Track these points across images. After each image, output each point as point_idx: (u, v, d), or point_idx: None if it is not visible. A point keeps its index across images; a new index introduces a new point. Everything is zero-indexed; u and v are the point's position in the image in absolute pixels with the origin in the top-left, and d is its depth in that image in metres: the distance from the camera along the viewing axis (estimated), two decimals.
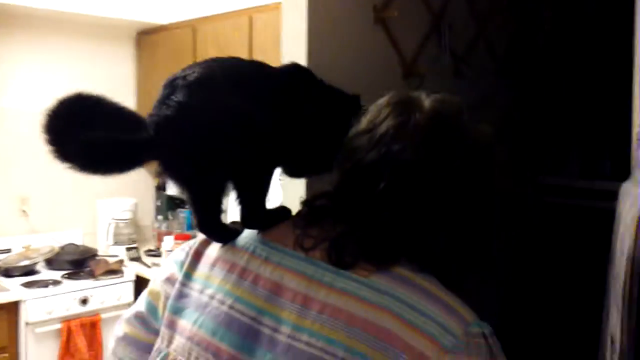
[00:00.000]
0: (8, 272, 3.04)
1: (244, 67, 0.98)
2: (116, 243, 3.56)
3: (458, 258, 0.90)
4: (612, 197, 1.39)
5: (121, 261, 3.25)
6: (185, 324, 0.92)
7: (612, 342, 0.83)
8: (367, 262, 0.84)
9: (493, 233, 0.93)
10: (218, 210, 0.97)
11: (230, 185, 0.95)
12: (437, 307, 0.80)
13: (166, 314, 0.96)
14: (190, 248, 1.01)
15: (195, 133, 0.86)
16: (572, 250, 2.22)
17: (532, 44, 2.02)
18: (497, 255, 0.95)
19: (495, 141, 0.93)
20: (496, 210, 0.93)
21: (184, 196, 0.96)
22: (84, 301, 2.99)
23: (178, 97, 0.86)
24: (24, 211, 3.37)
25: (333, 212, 0.91)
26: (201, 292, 0.94)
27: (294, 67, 1.05)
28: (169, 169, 0.92)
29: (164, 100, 0.87)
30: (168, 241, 3.36)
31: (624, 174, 1.23)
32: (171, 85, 0.88)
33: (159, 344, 0.96)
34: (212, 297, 0.91)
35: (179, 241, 3.31)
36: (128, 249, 3.40)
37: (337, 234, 0.87)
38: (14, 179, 3.35)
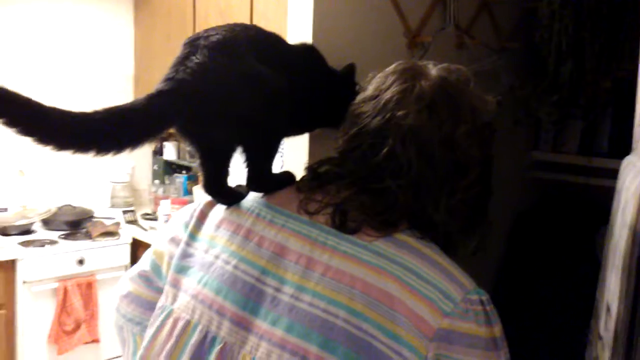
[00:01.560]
0: (5, 231, 3.05)
1: (266, 36, 0.99)
2: (113, 206, 3.57)
3: (458, 224, 0.91)
4: (609, 174, 1.41)
5: (118, 224, 3.26)
6: (189, 282, 0.94)
7: (608, 309, 0.85)
8: (371, 227, 0.86)
9: (489, 201, 0.95)
10: (225, 172, 0.99)
11: (238, 148, 0.96)
12: (438, 274, 0.83)
13: (170, 272, 0.98)
14: (195, 209, 1.02)
15: (212, 96, 0.86)
16: (567, 227, 2.25)
17: (536, 20, 2.01)
18: (492, 225, 0.97)
19: (497, 113, 0.95)
20: (491, 178, 0.95)
21: (195, 155, 0.98)
22: (81, 262, 3.02)
23: (198, 58, 0.86)
24: (20, 171, 3.36)
25: (337, 177, 0.93)
26: (206, 252, 0.95)
27: (310, 46, 1.10)
28: (183, 128, 0.92)
29: (183, 61, 0.86)
30: (165, 205, 3.36)
31: (622, 152, 1.25)
32: (192, 45, 0.88)
33: (162, 301, 0.98)
34: (217, 257, 0.93)
35: (176, 206, 3.32)
36: (125, 212, 3.41)
37: (341, 199, 0.89)
38: (11, 140, 3.33)
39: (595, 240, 2.13)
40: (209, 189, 1.00)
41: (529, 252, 2.24)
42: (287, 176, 1.01)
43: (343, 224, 0.87)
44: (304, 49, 1.09)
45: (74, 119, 0.78)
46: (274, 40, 1.00)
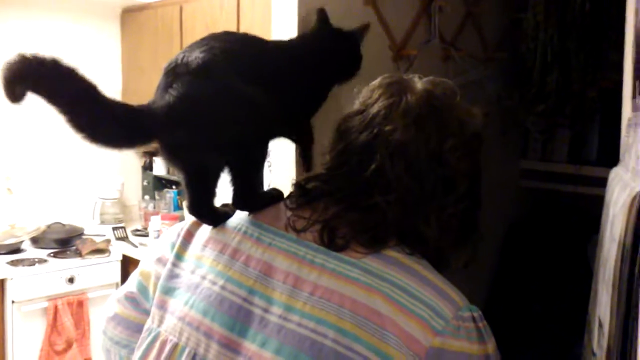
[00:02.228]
0: None
1: (246, 47, 0.97)
2: (103, 222, 3.55)
3: (449, 239, 0.91)
4: (598, 183, 1.41)
5: (108, 241, 3.24)
6: (176, 304, 0.93)
7: (601, 325, 0.85)
8: (359, 244, 0.85)
9: (479, 212, 0.95)
10: (212, 193, 0.98)
11: (225, 168, 0.95)
12: (429, 291, 0.82)
13: (157, 294, 0.97)
14: (182, 229, 1.01)
15: (196, 122, 0.86)
16: (558, 236, 2.25)
17: (522, 31, 2.02)
18: (483, 237, 0.96)
19: (485, 124, 0.94)
20: (481, 192, 0.94)
21: (180, 177, 0.97)
22: (71, 280, 2.99)
23: (179, 87, 0.85)
24: (8, 189, 3.34)
25: (325, 193, 0.92)
26: (192, 272, 0.94)
27: (300, 41, 1.11)
28: (168, 152, 0.92)
29: (166, 88, 0.86)
30: (155, 221, 3.35)
31: (610, 160, 1.25)
32: (173, 73, 0.88)
33: (149, 323, 0.96)
34: (203, 278, 0.92)
35: (166, 221, 3.31)
36: (115, 229, 3.39)
37: (330, 215, 0.88)
38: None
39: (587, 249, 2.14)
40: (194, 210, 0.99)
41: (522, 262, 2.23)
42: (275, 193, 1.00)
43: (331, 241, 0.86)
44: (288, 44, 1.10)
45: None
46: (255, 48, 0.99)
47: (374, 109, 0.90)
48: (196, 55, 0.88)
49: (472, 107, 0.93)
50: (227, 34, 0.98)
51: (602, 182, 1.20)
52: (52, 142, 3.43)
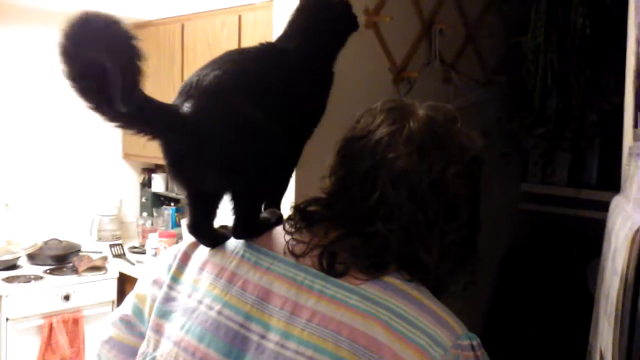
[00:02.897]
0: None
1: (259, 66, 0.97)
2: (100, 239, 3.53)
3: (448, 266, 0.90)
4: (598, 206, 1.40)
5: (105, 258, 3.22)
6: (172, 328, 0.92)
7: (602, 357, 0.83)
8: (359, 270, 0.84)
9: (478, 236, 0.94)
10: (212, 214, 0.97)
11: (228, 194, 0.95)
12: (427, 318, 0.81)
13: (152, 317, 0.96)
14: (179, 250, 1.00)
15: (202, 142, 0.87)
16: (557, 259, 2.24)
17: (522, 53, 2.03)
18: (483, 258, 0.96)
19: (485, 146, 0.94)
20: (479, 214, 0.93)
21: (182, 195, 0.97)
22: (66, 297, 2.96)
23: (190, 107, 0.87)
24: (6, 205, 3.33)
25: (325, 218, 0.91)
26: (189, 296, 0.93)
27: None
28: (171, 165, 0.92)
29: (181, 104, 0.88)
30: (153, 239, 3.33)
31: (610, 184, 1.24)
32: (186, 94, 0.89)
33: (144, 347, 0.95)
34: (200, 302, 0.91)
35: (164, 239, 3.29)
36: (112, 246, 3.37)
37: (330, 240, 0.87)
38: None
39: (587, 272, 2.12)
40: (193, 229, 0.98)
41: (520, 285, 2.22)
42: (275, 219, 0.99)
43: (331, 266, 0.85)
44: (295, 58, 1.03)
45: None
46: (267, 69, 0.98)
47: (377, 135, 0.89)
48: (207, 77, 0.89)
49: (472, 132, 0.93)
50: (240, 52, 0.99)
51: (602, 206, 1.19)
52: (50, 157, 3.42)
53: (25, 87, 3.34)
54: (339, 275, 0.84)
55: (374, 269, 0.84)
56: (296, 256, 0.88)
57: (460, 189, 0.87)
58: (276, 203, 1.04)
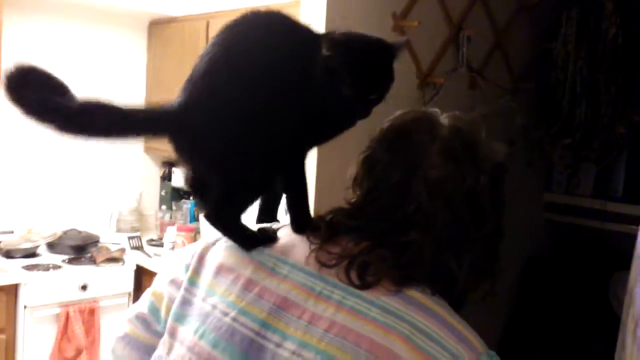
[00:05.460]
0: (9, 254, 3.04)
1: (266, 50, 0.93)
2: (119, 230, 3.56)
3: (475, 276, 0.88)
4: (623, 219, 1.37)
5: (123, 249, 3.24)
6: (186, 332, 0.91)
7: None
8: (391, 281, 0.83)
9: (501, 244, 0.92)
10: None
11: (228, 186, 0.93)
12: (448, 334, 0.79)
13: (169, 320, 0.95)
14: (195, 251, 0.99)
15: (194, 129, 0.86)
16: (579, 271, 2.20)
17: (551, 60, 1.99)
18: (504, 267, 0.94)
19: (510, 154, 0.93)
20: (502, 221, 0.92)
21: (213, 180, 0.93)
22: (84, 287, 2.99)
23: (184, 94, 0.87)
24: (27, 193, 3.36)
25: (353, 229, 0.89)
26: (204, 299, 0.92)
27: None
28: (178, 157, 0.92)
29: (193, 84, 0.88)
30: (171, 232, 3.34)
31: (636, 197, 1.21)
32: (188, 80, 0.90)
33: (160, 350, 0.94)
34: (214, 307, 0.90)
35: (182, 232, 3.30)
36: (130, 238, 3.39)
37: (358, 251, 0.85)
38: (19, 162, 3.34)
39: (609, 286, 2.08)
40: (215, 219, 0.94)
41: (541, 297, 2.18)
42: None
43: (362, 277, 0.83)
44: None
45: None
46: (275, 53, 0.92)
47: (406, 145, 0.88)
48: (201, 63, 0.89)
49: (495, 141, 0.92)
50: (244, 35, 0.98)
51: (628, 219, 1.16)
52: (73, 149, 3.45)
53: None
54: (367, 286, 0.83)
55: (405, 280, 0.83)
56: (320, 265, 0.87)
57: (488, 198, 0.86)
58: (273, 211, 1.02)
